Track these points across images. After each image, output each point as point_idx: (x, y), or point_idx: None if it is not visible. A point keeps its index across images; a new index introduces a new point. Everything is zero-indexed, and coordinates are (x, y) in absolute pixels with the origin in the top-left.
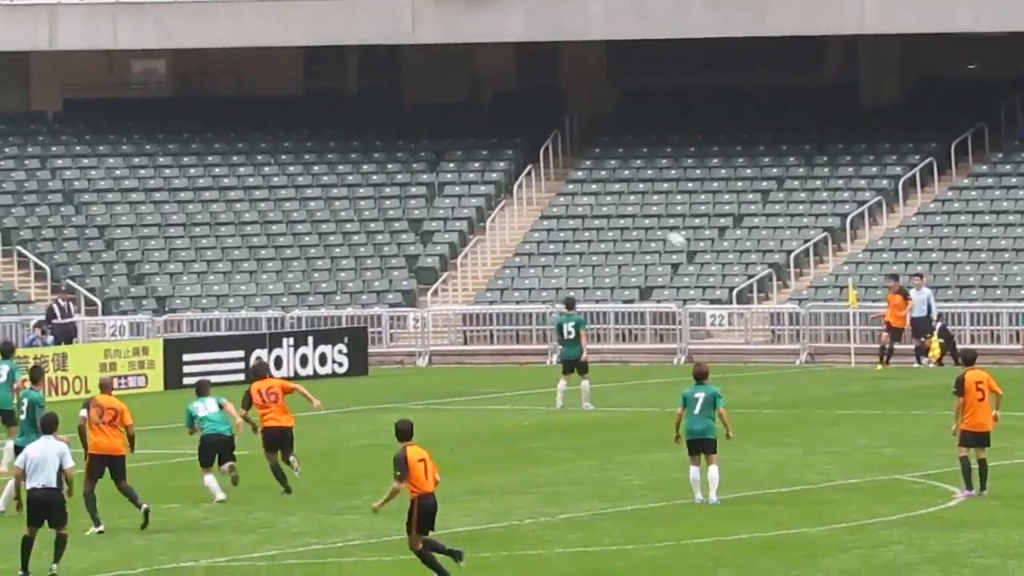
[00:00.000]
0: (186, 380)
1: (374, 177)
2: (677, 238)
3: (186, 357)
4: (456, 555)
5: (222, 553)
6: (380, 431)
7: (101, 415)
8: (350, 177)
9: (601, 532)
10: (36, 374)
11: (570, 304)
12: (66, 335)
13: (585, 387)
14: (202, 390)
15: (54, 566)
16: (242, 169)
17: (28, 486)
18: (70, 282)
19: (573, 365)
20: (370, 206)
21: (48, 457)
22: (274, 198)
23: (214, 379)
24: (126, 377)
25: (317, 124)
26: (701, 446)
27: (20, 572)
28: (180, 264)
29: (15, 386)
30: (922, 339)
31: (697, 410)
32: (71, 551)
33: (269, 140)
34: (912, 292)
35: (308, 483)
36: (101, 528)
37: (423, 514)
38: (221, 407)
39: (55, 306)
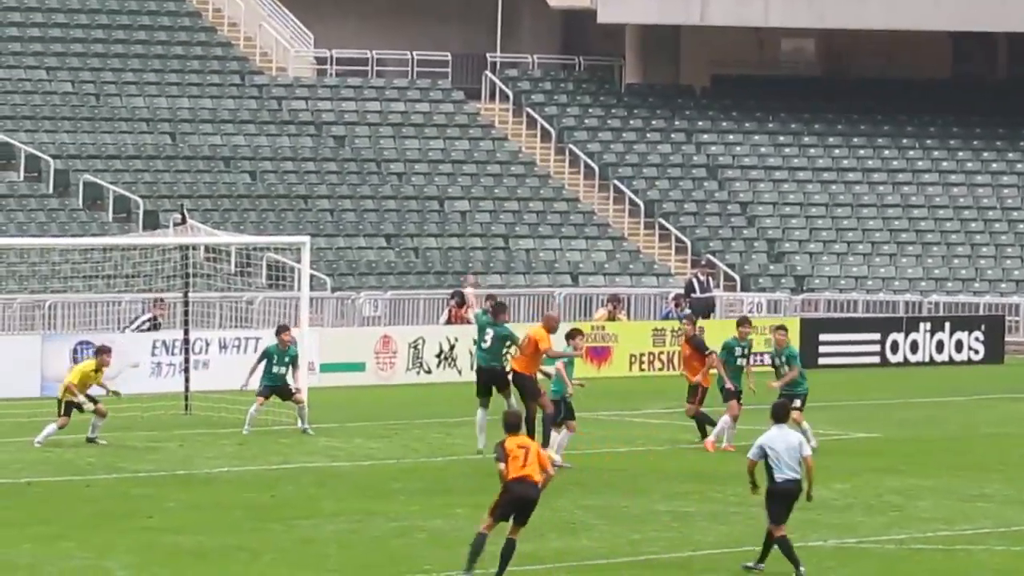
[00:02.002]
0: (821, 360)
1: (1019, 165)
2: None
3: (822, 337)
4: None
5: (851, 534)
6: (1012, 420)
7: None
8: (994, 164)
9: None
10: (498, 308)
11: None
12: (704, 309)
13: None
14: None
15: (803, 569)
16: (887, 152)
17: (778, 477)
18: (710, 257)
19: None
20: (1013, 194)
21: (792, 448)
22: (917, 182)
23: (847, 360)
24: (760, 354)
25: (963, 109)
26: None
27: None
28: (820, 244)
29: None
30: None
31: None
32: (701, 523)
33: (915, 124)
34: None
35: (938, 468)
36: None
37: (507, 498)
38: None
39: (694, 280)
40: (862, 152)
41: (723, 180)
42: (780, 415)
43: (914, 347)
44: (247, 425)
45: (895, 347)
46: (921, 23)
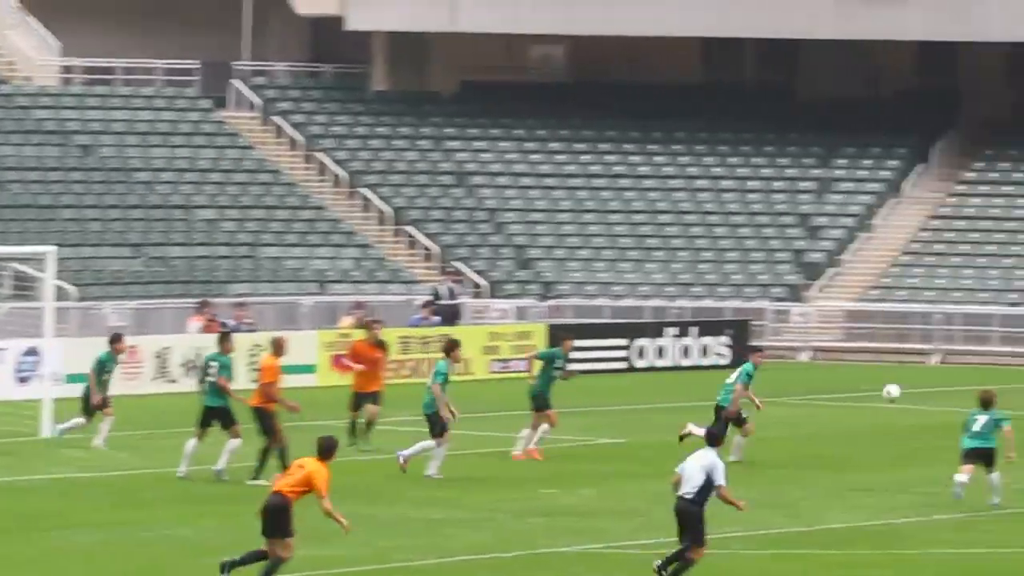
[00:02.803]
0: (569, 366)
1: (764, 170)
2: (893, 391)
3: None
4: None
5: (599, 540)
6: (759, 424)
7: None
8: (740, 169)
9: (980, 534)
10: (223, 338)
11: None
12: (451, 317)
13: None
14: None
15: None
16: (634, 157)
17: (677, 494)
18: (458, 264)
19: None
20: (759, 199)
21: (698, 469)
22: (664, 187)
23: (594, 366)
24: (508, 361)
25: (711, 115)
26: (978, 455)
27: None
28: (567, 250)
29: None
30: None
31: (977, 428)
32: (450, 530)
33: (662, 129)
34: None
35: None
36: None
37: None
38: None
39: (442, 287)
40: (609, 158)
41: (470, 187)
42: (713, 441)
43: (661, 352)
44: (65, 425)
45: (642, 352)
46: (670, 29)
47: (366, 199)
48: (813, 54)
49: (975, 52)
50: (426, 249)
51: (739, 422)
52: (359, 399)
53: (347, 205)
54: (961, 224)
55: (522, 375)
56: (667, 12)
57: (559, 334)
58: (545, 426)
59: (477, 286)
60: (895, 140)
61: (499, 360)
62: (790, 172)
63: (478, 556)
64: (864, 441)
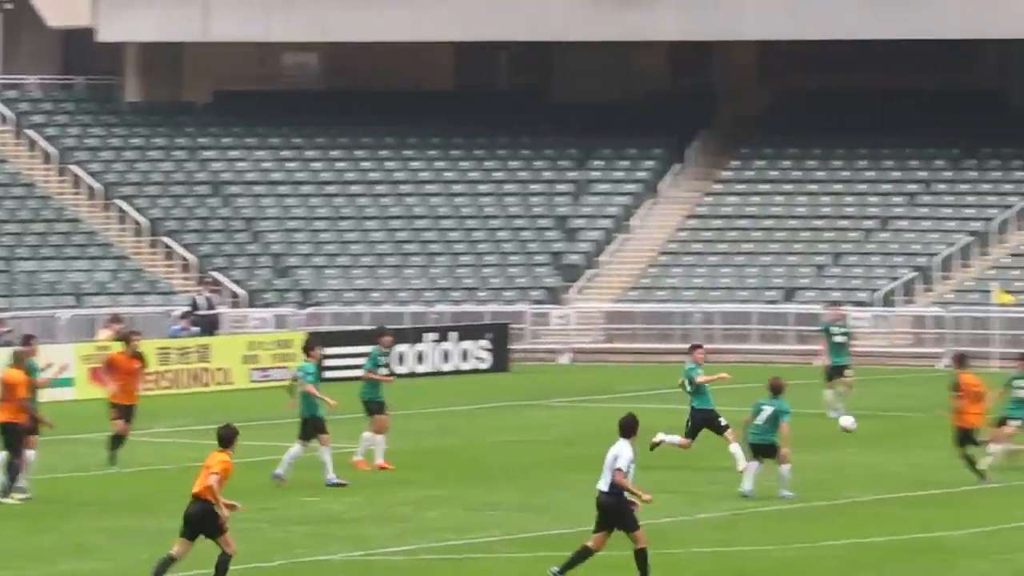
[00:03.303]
0: (328, 374)
1: (521, 174)
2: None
3: (329, 351)
4: None
5: (361, 547)
6: (520, 427)
7: None
8: (497, 173)
9: (739, 532)
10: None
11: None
12: (210, 326)
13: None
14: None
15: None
16: (389, 163)
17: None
18: (215, 273)
19: (840, 371)
20: (516, 202)
21: (609, 461)
22: (420, 193)
23: (354, 373)
24: (268, 370)
25: (466, 120)
26: (761, 451)
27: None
28: (325, 257)
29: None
30: None
31: (760, 421)
32: (210, 540)
33: (417, 135)
34: None
35: (447, 478)
36: None
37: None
38: None
39: (199, 297)
40: (364, 164)
41: (226, 196)
42: (624, 431)
43: (420, 358)
44: None
45: (401, 358)
46: (422, 35)
47: (122, 211)
48: (567, 57)
49: (728, 51)
50: (183, 260)
51: (719, 428)
52: (116, 411)
53: (103, 217)
54: (718, 223)
55: (282, 383)
56: (419, 18)
57: (374, 334)
58: (380, 436)
59: (235, 295)
60: (651, 141)
61: (259, 369)
62: (546, 175)
63: (239, 566)
64: None
